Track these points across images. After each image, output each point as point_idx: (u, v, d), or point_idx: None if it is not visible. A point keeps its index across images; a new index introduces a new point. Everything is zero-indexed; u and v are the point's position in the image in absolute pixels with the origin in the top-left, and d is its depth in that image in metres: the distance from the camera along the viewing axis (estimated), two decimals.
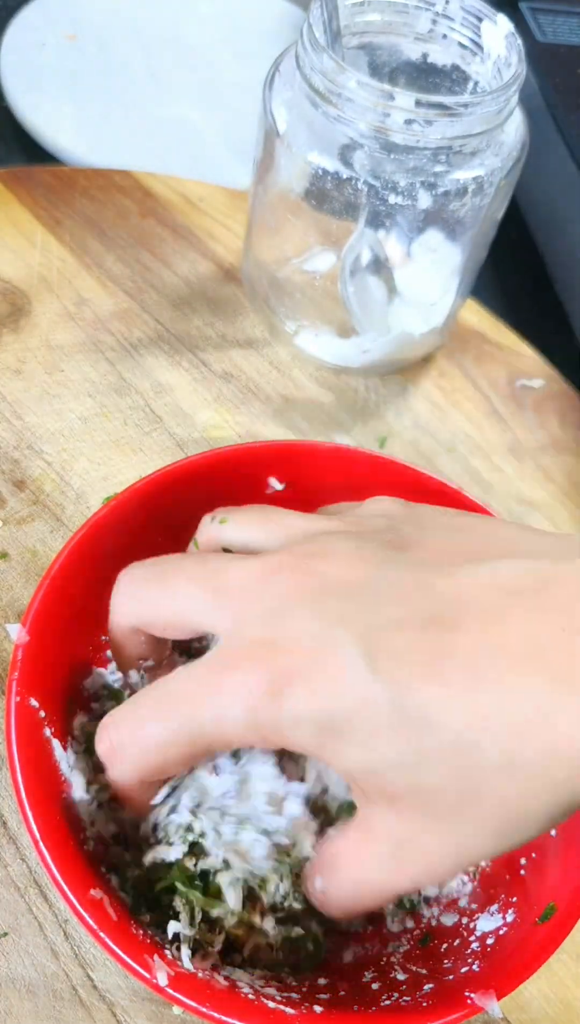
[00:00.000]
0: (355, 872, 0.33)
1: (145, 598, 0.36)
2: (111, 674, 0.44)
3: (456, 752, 0.28)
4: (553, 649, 0.28)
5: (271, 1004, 0.35)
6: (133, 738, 0.34)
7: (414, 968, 0.39)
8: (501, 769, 0.28)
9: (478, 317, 0.66)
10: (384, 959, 0.40)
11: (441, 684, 0.29)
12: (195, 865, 0.36)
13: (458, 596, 0.30)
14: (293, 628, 0.31)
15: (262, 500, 0.47)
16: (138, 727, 0.34)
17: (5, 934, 0.41)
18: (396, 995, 0.37)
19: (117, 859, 0.39)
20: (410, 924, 0.41)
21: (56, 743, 0.39)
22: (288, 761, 0.38)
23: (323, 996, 0.37)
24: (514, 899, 0.40)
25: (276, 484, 0.46)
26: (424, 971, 0.38)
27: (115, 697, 0.44)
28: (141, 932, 0.36)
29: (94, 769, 0.41)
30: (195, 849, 0.36)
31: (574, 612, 0.29)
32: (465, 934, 0.40)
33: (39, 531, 0.52)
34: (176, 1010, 0.40)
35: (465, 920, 0.40)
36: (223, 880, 0.36)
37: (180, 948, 0.35)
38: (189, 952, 0.35)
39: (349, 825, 0.33)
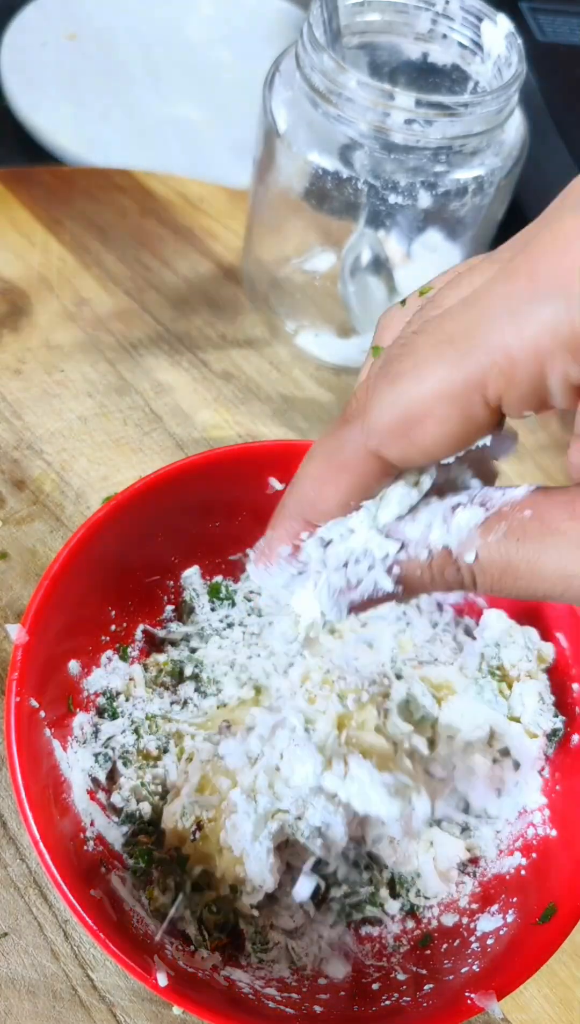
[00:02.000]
0: (533, 552, 0.27)
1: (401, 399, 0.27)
2: (110, 674, 0.44)
3: None
4: None
5: (271, 1004, 0.35)
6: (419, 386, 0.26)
7: (414, 968, 0.39)
8: None
9: None
10: (384, 959, 0.40)
11: None
12: None
13: None
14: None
15: (262, 500, 0.47)
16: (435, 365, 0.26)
17: (5, 934, 0.41)
18: (396, 995, 0.37)
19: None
20: (410, 924, 0.41)
21: (56, 743, 0.39)
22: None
23: (323, 996, 0.37)
24: (514, 899, 0.40)
25: (276, 484, 0.46)
26: (424, 971, 0.38)
27: (114, 698, 0.44)
28: (141, 932, 0.36)
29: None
30: None
31: None
32: (465, 934, 0.40)
33: (39, 531, 0.52)
34: (176, 1010, 0.40)
35: (465, 920, 0.40)
36: None
37: None
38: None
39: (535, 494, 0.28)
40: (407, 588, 0.29)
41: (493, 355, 0.24)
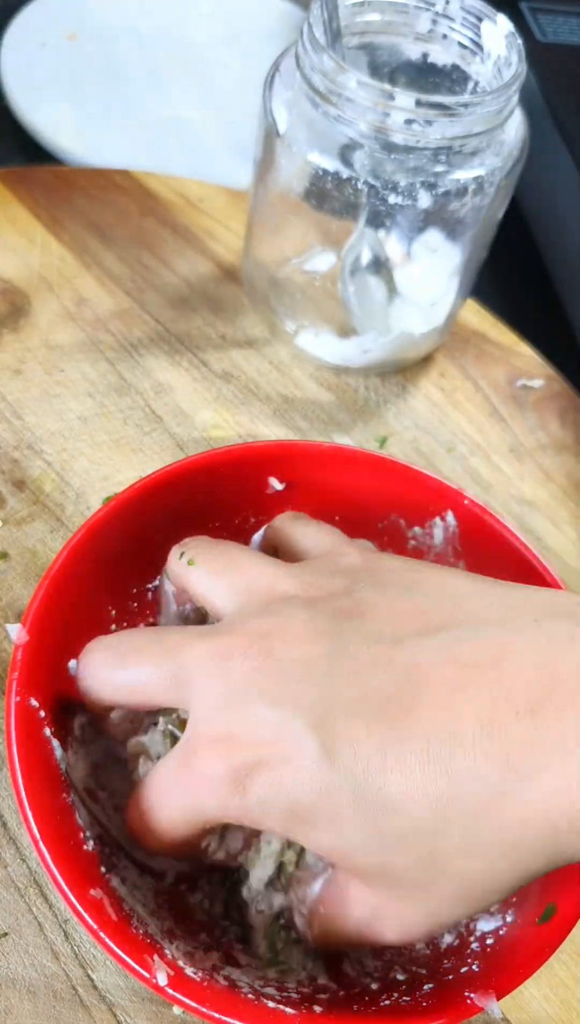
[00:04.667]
0: (337, 925, 0.35)
1: (107, 681, 0.37)
2: None
3: (418, 837, 0.30)
4: (504, 731, 0.29)
5: (271, 1004, 0.35)
6: (141, 822, 0.36)
7: (414, 968, 0.39)
8: (461, 850, 0.30)
9: (478, 317, 0.66)
10: (385, 959, 0.40)
11: (399, 772, 0.29)
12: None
13: (414, 671, 0.31)
14: (251, 718, 0.32)
15: (262, 500, 0.47)
16: (142, 815, 0.36)
17: (5, 934, 0.41)
18: (396, 995, 0.37)
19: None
20: None
21: (56, 743, 0.39)
22: None
23: (323, 996, 0.37)
24: (514, 899, 0.40)
25: (276, 484, 0.46)
26: (424, 971, 0.38)
27: None
28: (141, 932, 0.36)
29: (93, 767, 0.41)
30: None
31: (527, 692, 0.30)
32: (465, 934, 0.40)
33: (39, 531, 0.52)
34: (176, 1010, 0.40)
35: (465, 920, 0.40)
36: None
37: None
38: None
39: (331, 882, 0.35)
40: None
41: (186, 814, 0.36)
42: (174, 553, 0.41)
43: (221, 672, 0.33)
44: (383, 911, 0.33)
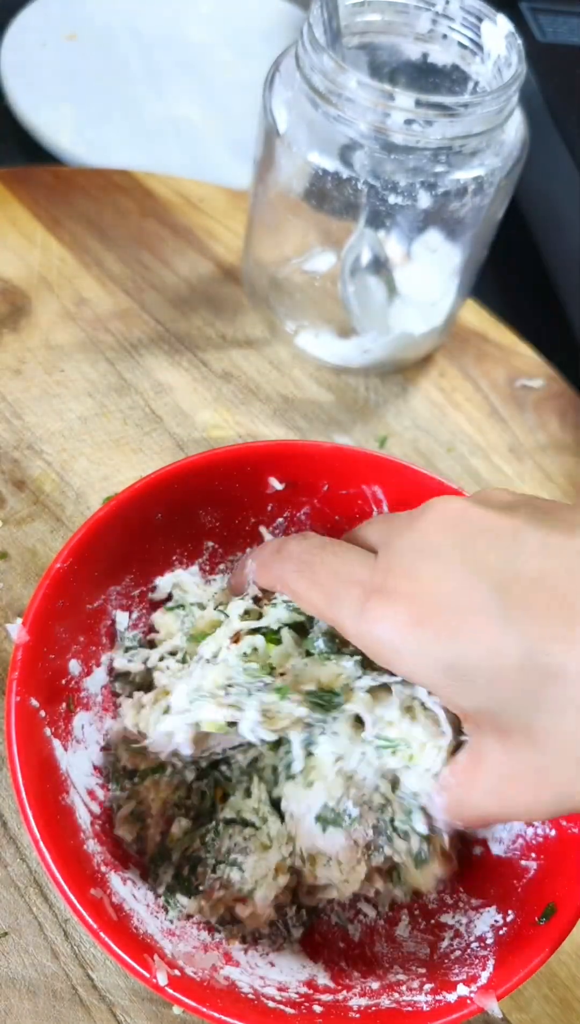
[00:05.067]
0: (463, 794, 0.36)
1: (297, 591, 0.38)
2: (108, 674, 0.44)
3: (575, 708, 0.31)
4: None
5: (271, 1004, 0.35)
6: (284, 578, 0.38)
7: (414, 968, 0.39)
8: None
9: (478, 317, 0.66)
10: (385, 959, 0.40)
11: (571, 643, 0.31)
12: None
13: None
14: (439, 569, 0.33)
15: (262, 500, 0.47)
16: (297, 579, 0.38)
17: (5, 934, 0.41)
18: (396, 995, 0.37)
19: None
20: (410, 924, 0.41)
21: (56, 743, 0.39)
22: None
23: (323, 996, 0.37)
24: (514, 899, 0.40)
25: (276, 484, 0.46)
26: (424, 971, 0.38)
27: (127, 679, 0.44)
28: (141, 932, 0.36)
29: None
30: None
31: None
32: (465, 934, 0.40)
33: (39, 531, 0.52)
34: (176, 1010, 0.40)
35: (465, 920, 0.40)
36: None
37: None
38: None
39: (462, 751, 0.36)
40: None
41: (340, 628, 0.36)
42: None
43: (419, 523, 0.35)
44: (518, 776, 0.33)
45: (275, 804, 0.41)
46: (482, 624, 0.32)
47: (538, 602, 0.31)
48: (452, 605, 0.32)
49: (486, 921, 0.40)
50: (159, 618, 0.45)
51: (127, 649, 0.45)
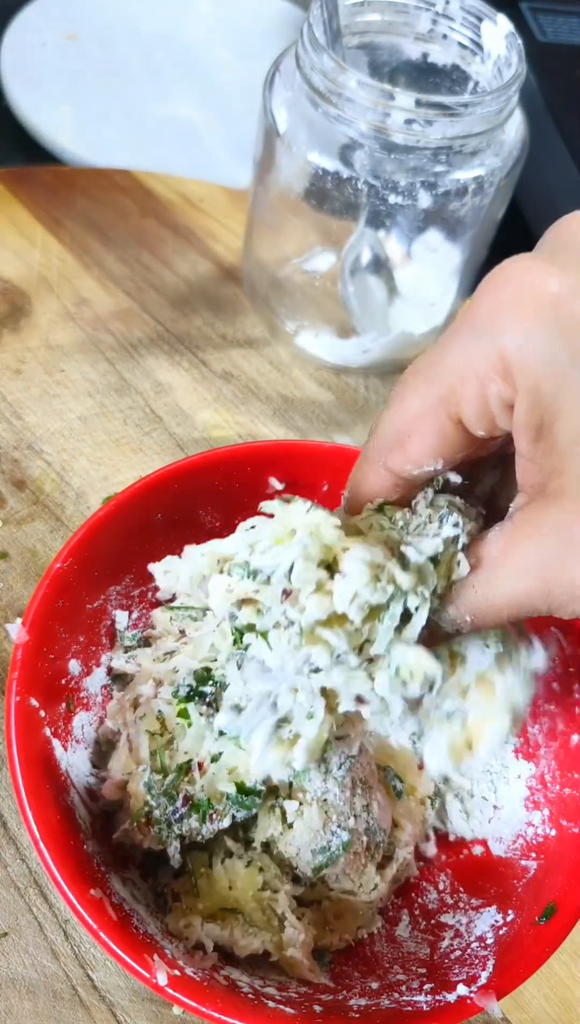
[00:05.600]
0: (491, 573, 0.32)
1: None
2: (108, 674, 0.44)
3: None
4: None
5: (271, 1004, 0.35)
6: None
7: (414, 968, 0.39)
8: None
9: None
10: (384, 959, 0.40)
11: None
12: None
13: None
14: (574, 258, 0.29)
15: (262, 500, 0.46)
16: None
17: (5, 934, 0.41)
18: (395, 995, 0.37)
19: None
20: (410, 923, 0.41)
21: (56, 743, 0.39)
22: None
23: (323, 997, 0.37)
24: (514, 899, 0.40)
25: (276, 484, 0.46)
26: (424, 971, 0.38)
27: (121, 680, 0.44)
28: (141, 932, 0.36)
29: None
30: None
31: None
32: (465, 934, 0.40)
33: (39, 531, 0.52)
34: (176, 1010, 0.40)
35: (465, 920, 0.40)
36: None
37: None
38: None
39: (495, 527, 0.33)
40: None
41: (450, 379, 0.31)
42: None
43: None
44: (570, 540, 0.29)
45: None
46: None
47: None
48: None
49: (486, 921, 0.40)
50: (158, 615, 0.45)
51: (126, 649, 0.45)
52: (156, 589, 0.46)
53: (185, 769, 0.38)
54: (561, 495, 0.30)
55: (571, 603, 0.30)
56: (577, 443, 0.29)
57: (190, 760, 0.38)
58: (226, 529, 0.47)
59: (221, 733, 0.38)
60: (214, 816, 0.38)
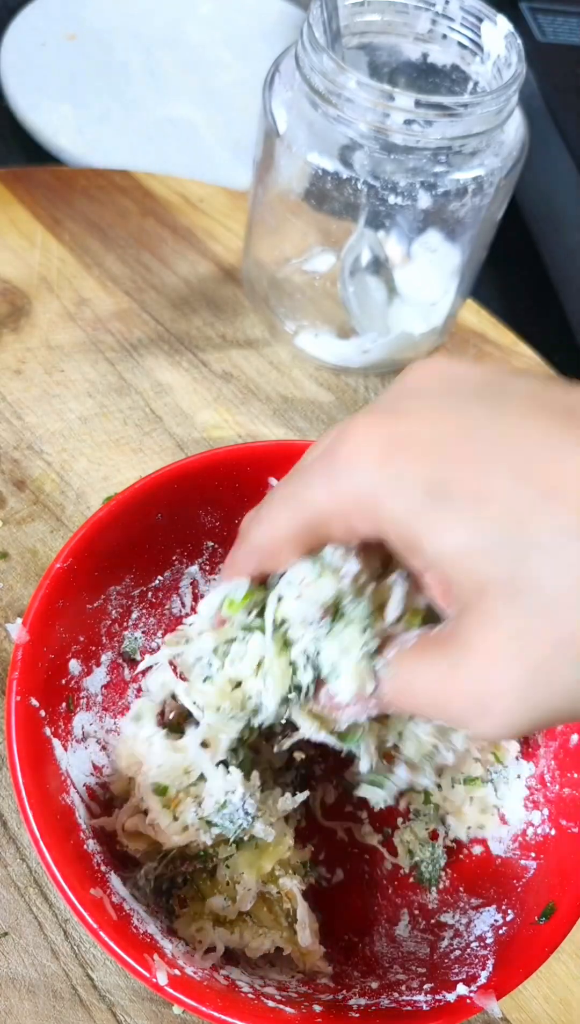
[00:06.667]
0: (409, 676, 0.32)
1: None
2: (108, 674, 0.44)
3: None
4: None
5: (271, 1004, 0.35)
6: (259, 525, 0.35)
7: (414, 968, 0.39)
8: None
9: (478, 317, 0.66)
10: (384, 958, 0.40)
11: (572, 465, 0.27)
12: None
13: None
14: (416, 404, 0.31)
15: (262, 500, 0.47)
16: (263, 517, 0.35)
17: (5, 934, 0.41)
18: (395, 994, 0.37)
19: None
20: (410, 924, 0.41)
21: (56, 743, 0.39)
22: None
23: (323, 996, 0.37)
24: (514, 899, 0.40)
25: (276, 484, 0.46)
26: (423, 971, 0.39)
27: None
28: (141, 932, 0.36)
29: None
30: None
31: None
32: (465, 934, 0.40)
33: (39, 531, 0.52)
34: (176, 1010, 0.40)
35: (465, 920, 0.41)
36: None
37: None
38: None
39: (433, 643, 0.32)
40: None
41: (315, 512, 0.33)
42: None
43: (387, 392, 0.33)
44: (522, 638, 0.28)
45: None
46: (466, 435, 0.29)
47: (529, 420, 0.28)
48: (433, 433, 0.29)
49: (486, 921, 0.40)
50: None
51: (126, 648, 0.45)
52: (156, 589, 0.46)
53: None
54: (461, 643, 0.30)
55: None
56: (473, 603, 0.29)
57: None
58: (226, 529, 0.47)
59: None
60: None
